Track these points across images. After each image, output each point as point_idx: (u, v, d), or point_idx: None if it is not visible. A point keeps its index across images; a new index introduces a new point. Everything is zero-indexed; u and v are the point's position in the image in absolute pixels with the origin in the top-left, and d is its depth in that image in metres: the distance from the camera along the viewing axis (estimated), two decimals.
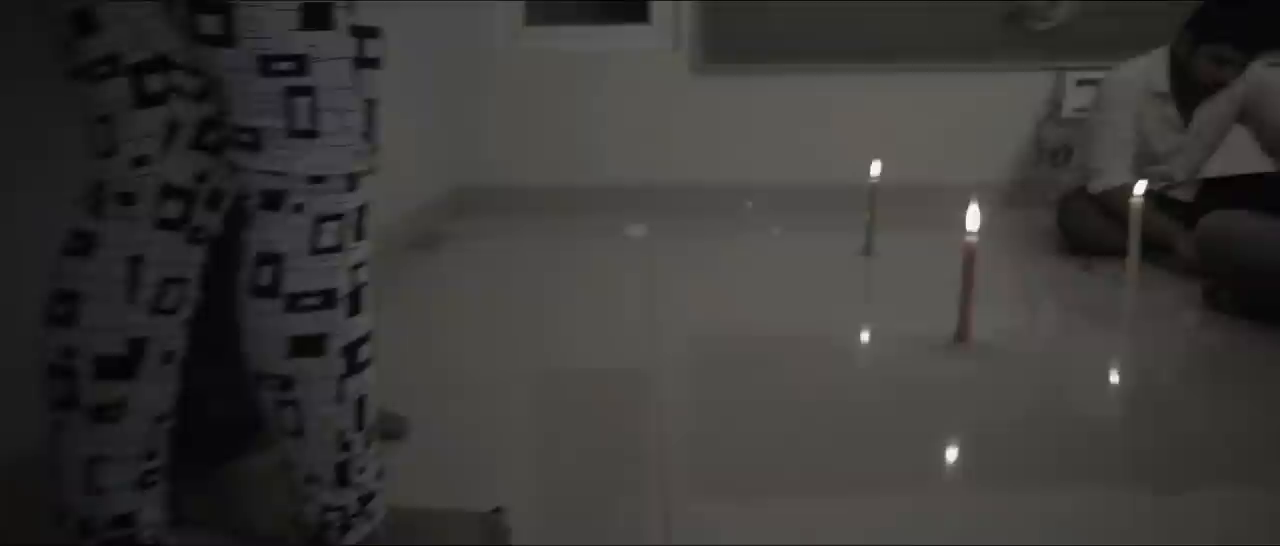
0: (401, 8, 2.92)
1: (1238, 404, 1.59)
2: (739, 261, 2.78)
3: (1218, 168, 2.74)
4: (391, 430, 1.35)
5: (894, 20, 3.41)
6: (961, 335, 1.81)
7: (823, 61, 3.46)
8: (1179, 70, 2.55)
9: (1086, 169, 2.67)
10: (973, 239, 1.76)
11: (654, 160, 3.57)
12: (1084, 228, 2.62)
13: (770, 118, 3.55)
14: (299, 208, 0.83)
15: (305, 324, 0.84)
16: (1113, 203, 2.53)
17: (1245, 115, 2.62)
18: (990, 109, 3.54)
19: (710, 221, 3.37)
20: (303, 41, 0.80)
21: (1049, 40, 3.42)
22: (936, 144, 3.57)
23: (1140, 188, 2.27)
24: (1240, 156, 2.70)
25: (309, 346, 0.85)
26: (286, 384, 0.86)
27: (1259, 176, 2.66)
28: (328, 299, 0.85)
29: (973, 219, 1.77)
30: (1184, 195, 2.72)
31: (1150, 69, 2.59)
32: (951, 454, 1.43)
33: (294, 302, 0.84)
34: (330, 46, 0.82)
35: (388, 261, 2.60)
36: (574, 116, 3.54)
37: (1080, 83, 3.41)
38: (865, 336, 2.06)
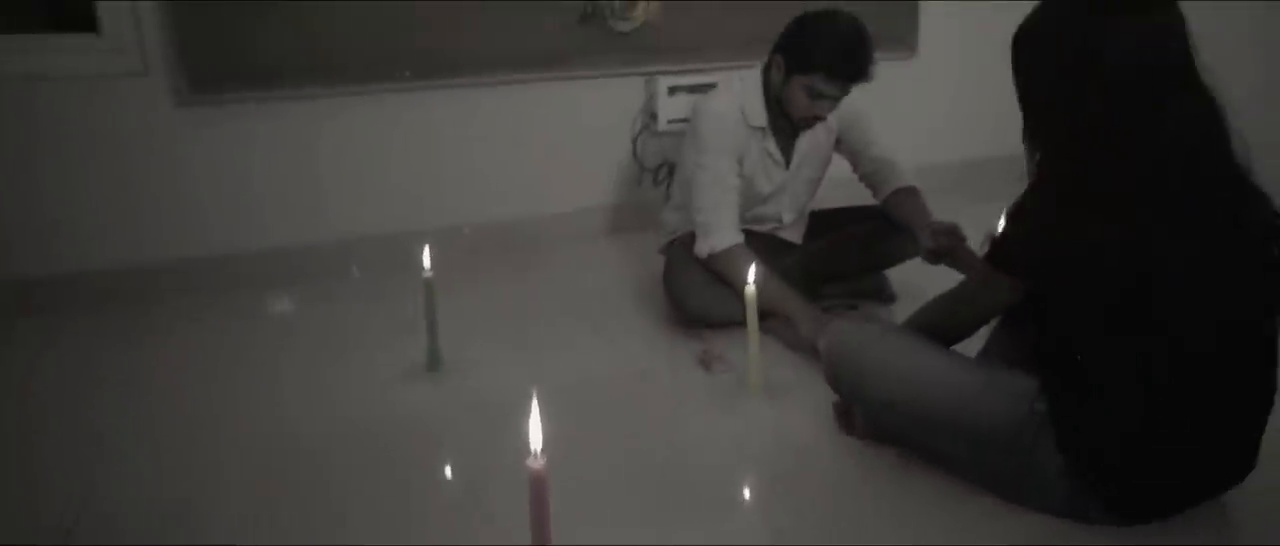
0: None
1: None
2: (233, 400, 1.91)
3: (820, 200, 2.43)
4: None
5: (449, 24, 2.68)
6: None
7: (364, 81, 2.64)
8: (774, 103, 2.15)
9: (690, 218, 2.22)
10: (539, 464, 1.12)
11: (128, 230, 2.51)
12: (692, 295, 2.15)
13: (300, 159, 2.66)
14: None
15: None
16: (722, 267, 2.09)
17: (841, 144, 2.32)
18: (581, 123, 2.99)
19: (225, 305, 2.45)
20: None
21: (633, 42, 2.93)
22: (523, 168, 2.95)
23: (752, 275, 1.81)
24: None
25: None
26: None
27: (860, 209, 2.40)
28: None
29: (536, 434, 1.13)
30: (793, 236, 2.38)
31: (744, 98, 2.16)
32: None
33: None
34: None
35: None
36: None
37: (672, 90, 2.98)
38: None
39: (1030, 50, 1.33)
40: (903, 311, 2.29)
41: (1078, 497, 1.33)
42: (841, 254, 2.31)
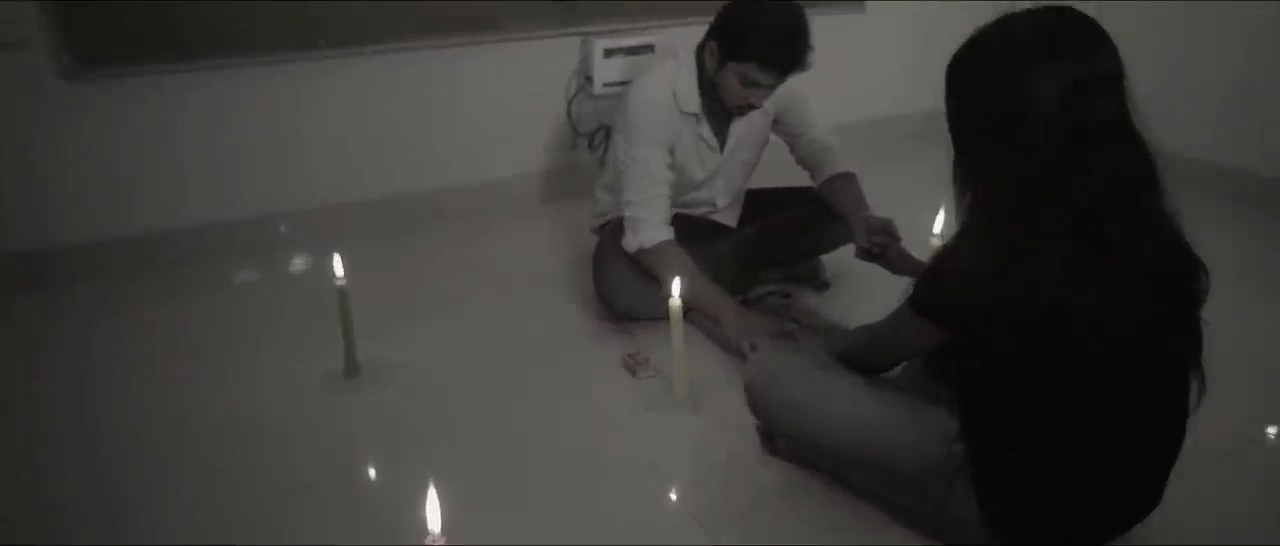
0: None
1: None
2: (133, 398, 1.82)
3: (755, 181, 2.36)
4: None
5: None
6: None
7: (275, 50, 2.46)
8: (708, 86, 2.05)
9: (621, 208, 2.15)
10: (439, 543, 1.06)
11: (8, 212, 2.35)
12: (619, 293, 2.09)
13: (212, 134, 2.50)
14: None
15: None
16: (650, 263, 2.02)
17: (778, 125, 2.23)
18: (512, 88, 2.85)
19: (127, 292, 2.32)
20: None
21: (566, 2, 2.77)
22: (452, 136, 2.83)
23: (676, 288, 1.74)
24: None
25: None
26: None
27: (796, 191, 2.33)
28: None
29: (433, 517, 1.07)
30: (727, 219, 2.31)
31: (677, 83, 2.05)
32: None
33: None
34: None
35: None
36: None
37: (608, 52, 2.84)
38: None
39: (960, 87, 1.26)
40: (837, 296, 2.28)
41: (993, 538, 1.32)
42: (775, 240, 2.26)
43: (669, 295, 1.74)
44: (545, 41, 2.82)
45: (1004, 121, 1.19)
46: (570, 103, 2.93)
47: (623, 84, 2.86)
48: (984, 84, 1.22)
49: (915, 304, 1.30)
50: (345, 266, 1.83)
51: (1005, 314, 1.20)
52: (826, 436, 1.43)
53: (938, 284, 1.28)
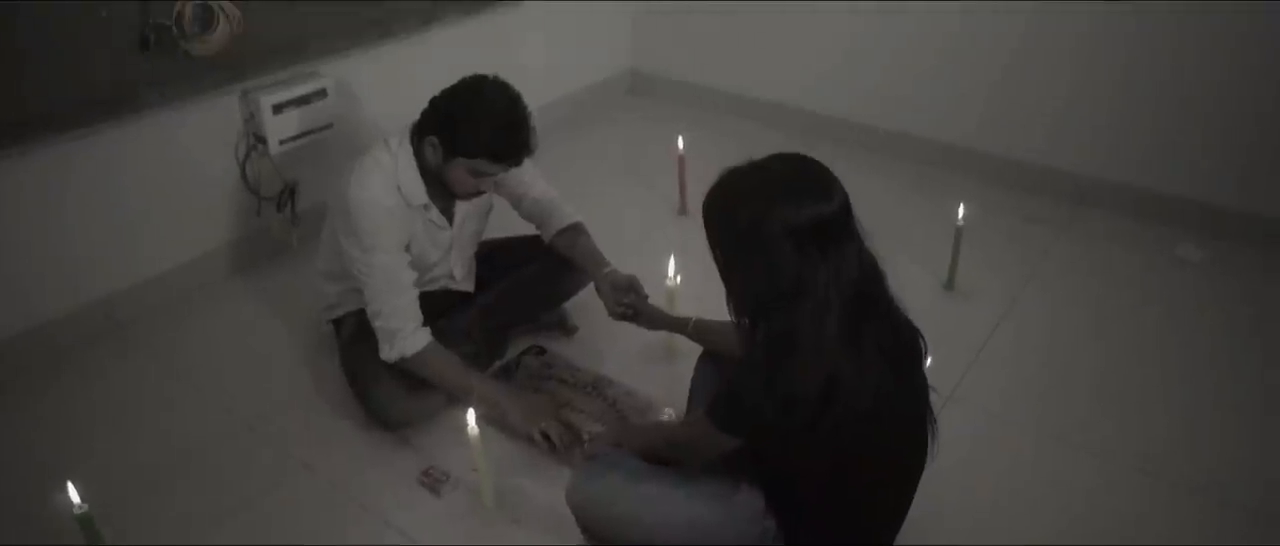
0: None
1: None
2: None
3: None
4: None
5: None
6: None
7: None
8: (430, 174, 2.00)
9: (351, 290, 2.10)
10: None
11: None
12: (393, 406, 2.02)
13: None
14: None
15: None
16: (416, 370, 1.99)
17: (500, 187, 2.23)
18: (170, 165, 2.50)
19: None
20: None
21: (217, 61, 2.44)
22: (110, 234, 2.44)
23: (471, 418, 1.75)
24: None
25: None
26: None
27: (524, 241, 2.37)
28: None
29: None
30: (466, 286, 2.31)
31: (399, 177, 1.97)
32: None
33: None
34: None
35: None
36: None
37: (278, 107, 2.58)
38: None
39: (712, 229, 1.42)
40: (588, 340, 2.37)
41: None
42: (516, 301, 2.31)
43: (448, 383, 1.90)
44: (198, 107, 2.48)
45: (764, 258, 1.36)
46: (243, 166, 2.64)
47: (302, 136, 2.63)
48: (727, 225, 1.40)
49: (718, 423, 1.47)
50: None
51: (790, 419, 1.40)
52: (652, 541, 1.59)
53: (736, 405, 1.45)
